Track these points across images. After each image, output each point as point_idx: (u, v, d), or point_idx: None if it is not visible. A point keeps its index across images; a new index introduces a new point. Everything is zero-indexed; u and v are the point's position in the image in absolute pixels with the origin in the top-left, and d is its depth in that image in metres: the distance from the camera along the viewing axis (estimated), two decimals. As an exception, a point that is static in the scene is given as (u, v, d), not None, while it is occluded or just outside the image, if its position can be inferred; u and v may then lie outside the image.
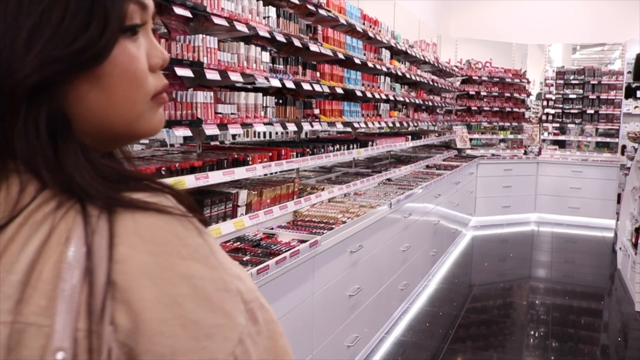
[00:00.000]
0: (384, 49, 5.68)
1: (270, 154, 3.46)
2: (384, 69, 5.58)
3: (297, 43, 3.72)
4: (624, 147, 10.32)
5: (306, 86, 3.86)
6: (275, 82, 3.46)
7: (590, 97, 10.70)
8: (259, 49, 3.37)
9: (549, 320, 5.42)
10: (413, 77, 6.69)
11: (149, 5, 0.68)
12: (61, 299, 0.53)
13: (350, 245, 3.78)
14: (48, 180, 0.58)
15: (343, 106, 4.59)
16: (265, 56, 3.45)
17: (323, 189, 4.31)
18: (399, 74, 6.17)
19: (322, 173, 5.40)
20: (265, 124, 3.39)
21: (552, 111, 10.81)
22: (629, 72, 9.64)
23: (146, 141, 7.97)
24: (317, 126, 4.08)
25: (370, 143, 5.18)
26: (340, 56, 4.46)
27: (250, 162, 3.24)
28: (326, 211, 4.02)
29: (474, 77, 10.60)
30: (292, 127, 3.68)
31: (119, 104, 0.65)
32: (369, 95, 5.08)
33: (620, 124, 10.47)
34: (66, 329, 0.53)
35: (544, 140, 10.85)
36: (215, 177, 2.91)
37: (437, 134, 8.72)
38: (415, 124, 7.26)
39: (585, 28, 11.44)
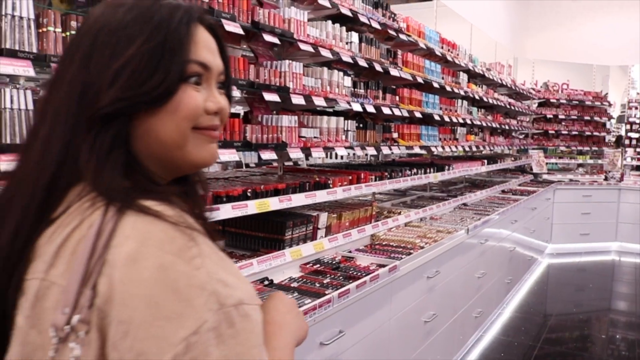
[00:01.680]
0: (461, 72, 5.64)
1: (350, 177, 3.49)
2: (462, 92, 5.53)
3: (378, 68, 3.75)
4: None
5: (386, 110, 3.88)
6: (356, 107, 3.51)
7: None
8: (341, 73, 3.42)
9: (633, 356, 5.15)
10: (490, 101, 6.60)
11: (212, 67, 0.88)
12: (73, 266, 0.72)
13: (427, 271, 3.74)
14: (91, 184, 0.78)
15: (421, 130, 4.58)
16: (347, 81, 3.50)
17: (400, 213, 4.30)
18: (476, 97, 6.10)
19: (396, 196, 5.39)
20: (346, 147, 3.43)
21: (636, 135, 10.34)
22: None
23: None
24: (395, 150, 4.09)
25: (446, 167, 5.13)
26: (420, 80, 4.46)
27: (331, 185, 3.28)
28: (403, 235, 4.00)
29: (551, 100, 10.32)
30: (371, 151, 3.71)
31: (170, 132, 0.83)
32: (446, 119, 5.05)
33: None
34: (73, 290, 0.70)
35: (626, 166, 10.39)
36: (298, 199, 2.96)
37: (512, 158, 8.52)
38: (491, 148, 7.13)
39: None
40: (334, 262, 3.24)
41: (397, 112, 4.03)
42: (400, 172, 4.20)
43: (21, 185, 0.82)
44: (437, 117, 4.82)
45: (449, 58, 5.23)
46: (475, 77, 6.44)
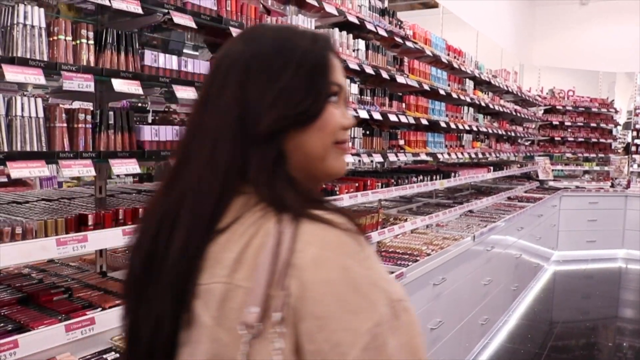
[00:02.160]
0: (467, 80, 5.65)
1: (357, 184, 3.50)
2: (468, 99, 5.54)
3: (384, 75, 3.77)
4: None
5: (392, 117, 3.89)
6: (363, 114, 3.52)
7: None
8: (348, 81, 3.44)
9: (641, 365, 5.13)
10: (496, 107, 6.60)
11: (344, 86, 0.98)
12: (258, 270, 0.79)
13: (433, 278, 3.74)
14: (264, 195, 0.86)
15: (427, 137, 4.59)
16: (354, 88, 3.51)
17: (406, 220, 4.30)
18: (482, 104, 6.10)
19: (402, 203, 5.39)
20: (353, 154, 3.44)
21: (643, 142, 10.31)
22: None
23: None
24: (402, 157, 4.09)
25: (452, 174, 5.13)
26: (426, 87, 4.47)
27: (337, 193, 3.29)
28: (410, 242, 4.00)
29: (557, 107, 10.31)
30: (378, 158, 3.71)
31: (317, 147, 0.93)
32: (452, 126, 5.06)
33: None
34: (259, 291, 0.78)
35: (632, 173, 10.35)
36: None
37: (518, 165, 8.51)
38: (497, 155, 7.12)
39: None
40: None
41: (403, 119, 4.04)
42: (407, 179, 4.21)
43: (186, 197, 0.89)
44: (443, 124, 4.83)
45: (455, 65, 5.24)
46: (481, 84, 6.45)
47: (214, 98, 0.92)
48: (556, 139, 10.34)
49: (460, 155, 5.38)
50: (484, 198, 6.21)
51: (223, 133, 0.89)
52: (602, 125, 10.38)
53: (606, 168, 10.40)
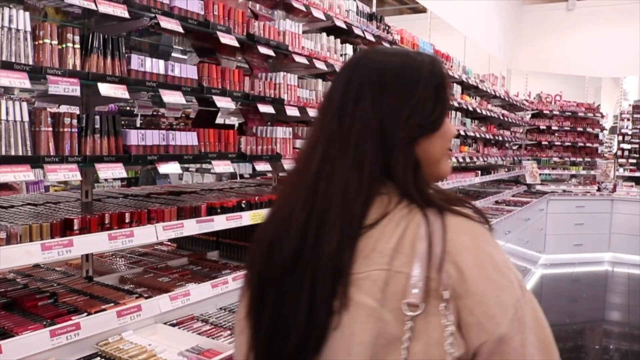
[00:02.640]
0: (455, 84, 5.68)
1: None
2: (455, 104, 5.57)
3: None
4: None
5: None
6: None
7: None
8: (335, 85, 3.45)
9: (627, 367, 5.16)
10: (483, 112, 6.64)
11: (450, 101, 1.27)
12: (415, 257, 0.93)
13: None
14: (411, 194, 1.00)
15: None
16: (341, 92, 3.52)
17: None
18: (470, 108, 6.14)
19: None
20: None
21: (628, 146, 10.41)
22: None
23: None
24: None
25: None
26: (413, 92, 4.49)
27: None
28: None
29: (544, 111, 10.39)
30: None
31: (437, 152, 1.08)
32: (440, 130, 5.09)
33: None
34: (419, 275, 0.92)
35: (619, 177, 10.45)
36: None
37: (506, 169, 8.57)
38: (485, 159, 7.17)
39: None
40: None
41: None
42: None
43: (334, 199, 0.99)
44: (430, 129, 4.85)
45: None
46: (469, 88, 6.49)
47: (350, 110, 1.04)
48: (543, 143, 10.41)
49: (447, 160, 5.41)
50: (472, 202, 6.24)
51: (365, 141, 1.02)
52: (589, 129, 10.48)
53: (593, 172, 10.49)
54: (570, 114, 10.48)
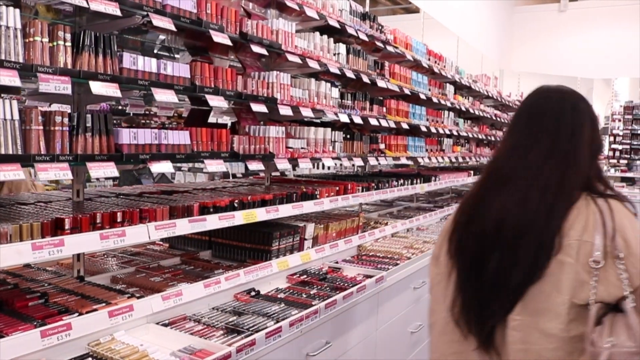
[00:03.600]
0: (448, 84, 5.69)
1: (337, 188, 3.50)
2: (448, 104, 5.58)
3: (365, 79, 3.78)
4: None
5: (373, 121, 3.90)
6: (343, 117, 3.52)
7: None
8: (328, 84, 3.44)
9: None
10: (476, 112, 6.65)
11: None
12: (596, 232, 1.43)
13: (413, 281, 3.75)
14: (596, 190, 1.53)
15: (408, 141, 4.61)
16: (335, 92, 3.52)
17: (387, 224, 4.31)
18: (463, 108, 6.15)
19: (383, 207, 5.40)
20: (333, 158, 3.44)
21: (620, 147, 10.46)
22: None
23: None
24: (383, 161, 4.11)
25: (433, 178, 5.16)
26: (407, 92, 4.49)
27: (318, 196, 3.28)
28: (390, 246, 4.01)
29: (537, 112, 10.41)
30: (358, 162, 3.72)
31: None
32: (433, 130, 5.09)
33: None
34: (599, 243, 1.42)
35: (610, 177, 10.49)
36: (285, 210, 2.97)
37: (498, 169, 8.58)
38: (478, 159, 7.18)
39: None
40: (320, 273, 3.24)
41: (384, 123, 4.06)
42: (387, 182, 4.22)
43: (549, 190, 1.49)
44: (423, 129, 4.86)
45: (436, 70, 5.28)
46: (461, 88, 6.49)
47: (576, 132, 1.56)
48: (535, 143, 10.43)
49: (440, 160, 5.41)
50: (465, 202, 6.25)
51: (585, 155, 1.55)
52: (580, 130, 10.50)
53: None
54: (562, 114, 10.49)
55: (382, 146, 4.17)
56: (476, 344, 1.52)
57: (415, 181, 4.76)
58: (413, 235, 4.60)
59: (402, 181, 4.47)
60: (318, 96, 3.33)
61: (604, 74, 11.64)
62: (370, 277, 3.20)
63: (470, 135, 6.52)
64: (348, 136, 3.69)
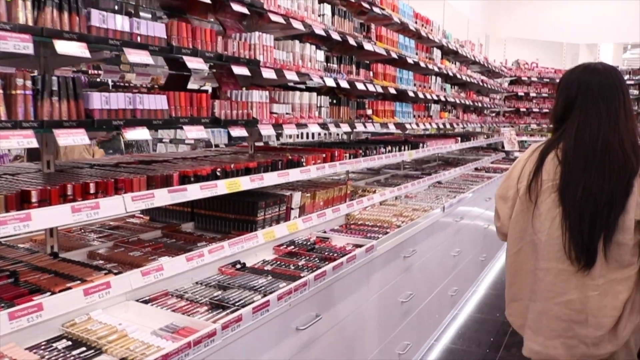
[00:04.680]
0: (435, 49, 5.53)
1: (324, 155, 3.37)
2: (436, 68, 5.43)
3: (352, 42, 3.62)
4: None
5: (360, 86, 3.75)
6: (330, 82, 3.37)
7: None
8: (313, 47, 3.28)
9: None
10: (463, 78, 6.52)
11: None
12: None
13: (404, 250, 3.66)
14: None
15: (395, 107, 4.47)
16: (320, 55, 3.36)
17: (375, 192, 4.20)
18: (450, 74, 6.01)
19: (370, 175, 5.29)
20: (319, 124, 3.29)
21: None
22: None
23: (191, 141, 7.97)
24: (370, 127, 3.97)
25: (421, 145, 5.04)
26: (394, 55, 4.34)
27: (304, 164, 3.15)
28: (379, 214, 3.90)
29: (522, 78, 10.31)
30: (345, 128, 3.59)
31: None
32: (420, 95, 4.95)
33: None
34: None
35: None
36: (270, 178, 2.83)
37: (485, 136, 8.50)
38: (465, 126, 7.07)
39: (641, 26, 11.00)
40: (308, 243, 3.12)
41: (371, 87, 3.91)
42: (375, 150, 4.10)
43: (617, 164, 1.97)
44: (411, 94, 4.72)
45: (423, 33, 5.12)
46: (448, 53, 6.34)
47: (628, 109, 2.06)
48: (521, 110, 10.36)
49: (428, 126, 5.29)
50: (452, 169, 6.15)
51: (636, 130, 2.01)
52: (566, 95, 10.42)
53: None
54: (548, 80, 10.42)
55: (369, 112, 4.03)
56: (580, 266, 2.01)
57: (403, 148, 4.64)
58: (402, 203, 4.50)
59: (389, 148, 4.35)
60: (303, 59, 3.17)
61: (589, 39, 11.54)
62: (360, 246, 3.09)
63: (458, 101, 6.39)
64: (334, 101, 3.54)
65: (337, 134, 3.85)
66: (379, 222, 3.71)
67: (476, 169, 7.23)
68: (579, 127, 2.03)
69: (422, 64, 5.03)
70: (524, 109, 10.33)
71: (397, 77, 4.46)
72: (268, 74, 2.83)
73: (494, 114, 9.68)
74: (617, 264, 1.98)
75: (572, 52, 11.83)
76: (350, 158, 3.69)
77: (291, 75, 2.97)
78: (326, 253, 2.96)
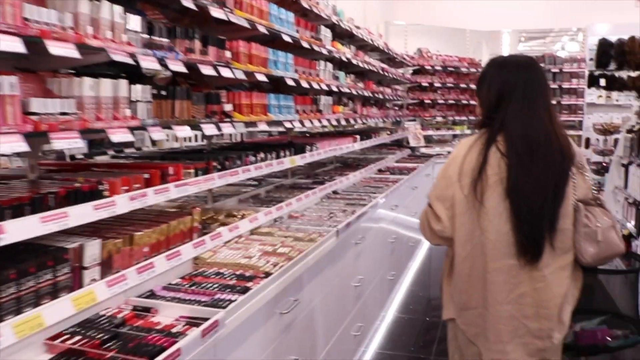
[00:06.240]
0: (323, 27, 4.46)
1: (147, 175, 2.20)
2: (324, 51, 4.37)
3: (187, 3, 2.43)
4: (588, 140, 9.53)
5: (207, 70, 2.59)
6: (148, 64, 2.18)
7: (551, 86, 9.84)
8: (119, 8, 2.09)
9: None
10: (360, 64, 5.51)
11: None
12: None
13: (279, 304, 2.55)
14: None
15: (269, 100, 3.35)
16: (134, 21, 2.17)
17: (243, 217, 3.06)
18: (344, 59, 4.96)
19: (249, 187, 4.14)
20: (131, 128, 2.10)
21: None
22: (591, 59, 8.67)
23: None
24: (227, 128, 2.81)
25: (308, 148, 3.96)
26: (263, 30, 3.21)
27: (106, 194, 1.97)
28: (245, 252, 2.76)
29: (426, 67, 9.55)
30: (182, 132, 2.42)
31: None
32: (304, 85, 3.86)
33: (583, 115, 9.66)
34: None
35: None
36: (25, 228, 1.62)
37: (388, 132, 7.59)
38: (364, 121, 6.08)
39: (545, 13, 10.58)
40: (111, 324, 1.92)
41: (226, 72, 2.76)
42: (240, 159, 2.97)
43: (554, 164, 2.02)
44: (291, 82, 3.61)
45: (306, 5, 4.03)
46: (342, 36, 5.31)
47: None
48: (426, 101, 9.60)
49: (317, 123, 4.22)
50: (351, 174, 5.14)
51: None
52: (472, 86, 9.79)
53: (477, 131, 9.86)
54: (452, 69, 9.74)
55: (227, 107, 2.87)
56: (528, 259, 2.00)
57: (283, 153, 3.54)
58: (282, 228, 3.38)
59: (262, 155, 3.24)
60: (96, 25, 1.97)
61: (493, 26, 11.03)
62: (198, 324, 1.94)
63: (355, 92, 5.37)
64: (163, 93, 2.35)
65: (167, 137, 2.69)
66: (241, 269, 2.56)
67: (380, 171, 6.28)
68: (524, 120, 2.02)
69: (306, 45, 3.94)
70: (429, 101, 9.57)
71: (270, 59, 3.33)
72: (10, 45, 1.61)
73: (397, 107, 8.81)
74: (561, 251, 2.02)
75: (475, 40, 11.31)
76: (196, 175, 2.53)
77: (60, 50, 1.75)
78: (133, 343, 1.78)
